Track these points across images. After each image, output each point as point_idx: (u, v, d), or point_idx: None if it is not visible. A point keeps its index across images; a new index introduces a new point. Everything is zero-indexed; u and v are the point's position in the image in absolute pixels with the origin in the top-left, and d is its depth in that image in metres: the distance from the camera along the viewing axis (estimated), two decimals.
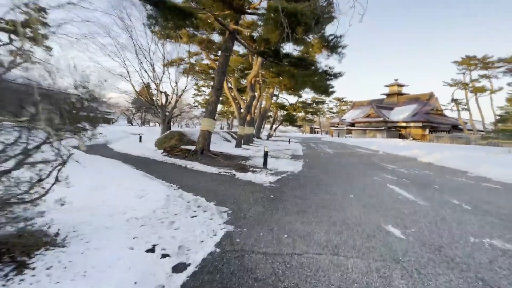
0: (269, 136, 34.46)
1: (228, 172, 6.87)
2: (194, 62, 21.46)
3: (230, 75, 20.46)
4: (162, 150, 10.76)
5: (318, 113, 71.06)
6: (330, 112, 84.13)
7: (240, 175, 6.47)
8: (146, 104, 18.23)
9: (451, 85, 40.95)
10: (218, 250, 2.53)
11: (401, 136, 46.59)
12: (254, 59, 16.11)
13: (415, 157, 13.59)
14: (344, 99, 79.18)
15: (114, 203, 3.51)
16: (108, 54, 14.35)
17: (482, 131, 42.35)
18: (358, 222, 3.43)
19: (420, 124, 44.57)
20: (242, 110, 16.35)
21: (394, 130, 47.63)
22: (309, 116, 75.61)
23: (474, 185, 6.38)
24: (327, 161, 10.78)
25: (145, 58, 15.38)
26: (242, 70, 18.83)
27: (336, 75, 12.59)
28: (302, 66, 10.84)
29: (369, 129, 50.85)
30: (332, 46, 9.78)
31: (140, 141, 14.61)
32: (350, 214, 3.75)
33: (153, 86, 18.51)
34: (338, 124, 60.97)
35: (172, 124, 50.52)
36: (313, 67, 11.28)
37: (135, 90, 15.83)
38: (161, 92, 17.40)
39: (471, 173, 8.63)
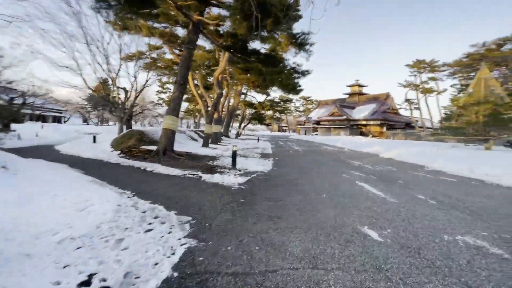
0: (237, 134, 34.04)
1: (194, 174, 6.31)
2: (156, 57, 20.11)
3: (196, 71, 19.55)
4: (119, 152, 9.71)
5: (285, 111, 72.50)
6: (297, 110, 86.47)
7: (206, 177, 5.96)
8: (102, 101, 16.48)
9: (404, 86, 44.56)
10: (175, 274, 2.05)
11: (362, 134, 49.57)
12: (221, 55, 15.51)
13: (377, 153, 14.29)
14: (310, 98, 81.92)
15: (43, 220, 2.80)
16: (51, 42, 12.49)
17: (431, 128, 46.90)
18: (334, 225, 3.20)
19: (379, 122, 47.82)
20: (209, 108, 15.67)
21: (356, 128, 50.47)
22: (277, 114, 76.76)
23: (434, 179, 6.70)
24: (296, 159, 10.72)
25: (98, 49, 13.83)
26: (208, 66, 18.08)
27: (304, 73, 12.64)
28: (271, 63, 10.61)
29: (333, 127, 53.20)
30: (300, 43, 9.69)
31: (94, 141, 13.13)
32: (324, 216, 3.52)
33: (109, 81, 16.83)
34: (304, 122, 62.87)
35: (135, 122, 47.32)
36: (281, 64, 11.14)
37: (87, 85, 14.17)
38: (118, 87, 15.88)
39: (427, 167, 9.20)
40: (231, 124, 47.58)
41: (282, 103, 43.97)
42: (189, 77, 17.31)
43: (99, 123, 50.18)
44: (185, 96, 45.94)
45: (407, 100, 46.56)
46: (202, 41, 18.06)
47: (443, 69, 41.79)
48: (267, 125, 41.91)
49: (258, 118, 34.23)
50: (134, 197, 4.18)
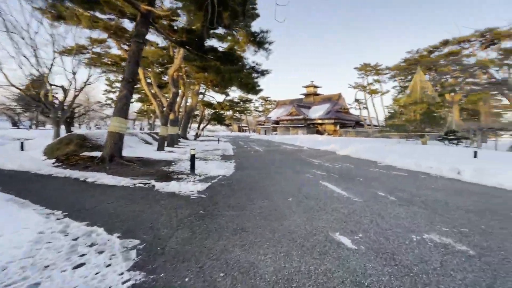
0: (196, 136, 32.75)
1: (146, 183, 5.56)
2: (101, 52, 18.02)
3: (149, 69, 18.08)
4: (53, 160, 8.25)
5: (245, 112, 72.62)
6: (257, 111, 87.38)
7: (161, 185, 5.28)
8: (34, 101, 13.97)
9: (354, 87, 48.19)
10: None
11: (318, 132, 52.23)
12: (176, 52, 14.51)
13: (334, 151, 14.93)
14: (268, 99, 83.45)
15: None
16: None
17: (377, 126, 51.67)
18: (304, 234, 2.95)
19: (333, 121, 50.88)
20: (164, 109, 14.53)
21: (313, 127, 52.98)
22: (237, 115, 76.48)
23: (388, 175, 7.06)
24: (258, 159, 10.49)
25: (24, 40, 11.67)
26: (162, 64, 16.84)
27: (263, 72, 12.51)
28: (229, 61, 10.18)
29: (291, 127, 55.00)
30: (259, 41, 9.47)
31: (22, 148, 11.07)
32: (293, 224, 3.26)
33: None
34: (264, 122, 63.78)
35: (78, 125, 42.15)
36: (240, 63, 10.79)
37: (9, 81, 11.85)
38: (51, 85, 13.70)
39: (380, 162, 9.80)
40: (189, 125, 45.71)
41: (241, 103, 43.78)
42: (141, 75, 15.89)
43: (33, 126, 43.62)
44: (137, 96, 42.75)
45: (356, 100, 50.51)
46: (154, 37, 16.75)
47: (385, 72, 46.38)
48: (227, 125, 41.30)
49: (218, 119, 33.41)
50: (66, 218, 3.37)
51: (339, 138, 37.39)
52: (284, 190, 5.09)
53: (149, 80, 20.01)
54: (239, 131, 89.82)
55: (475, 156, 10.45)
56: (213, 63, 10.74)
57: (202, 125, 36.49)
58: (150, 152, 11.97)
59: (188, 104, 27.97)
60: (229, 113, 49.69)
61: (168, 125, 14.44)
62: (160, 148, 12.64)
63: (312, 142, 23.73)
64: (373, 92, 46.91)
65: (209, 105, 31.03)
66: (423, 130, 24.51)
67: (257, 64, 11.95)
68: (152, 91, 19.19)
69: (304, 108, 56.64)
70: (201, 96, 33.75)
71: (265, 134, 62.12)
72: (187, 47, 9.55)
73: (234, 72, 11.39)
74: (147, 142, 16.05)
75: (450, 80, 32.30)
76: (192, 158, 6.80)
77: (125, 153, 10.15)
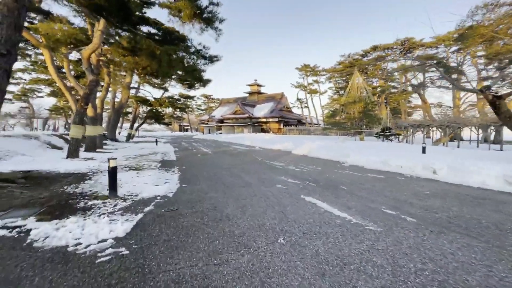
0: (130, 137, 28.10)
1: (14, 227, 3.07)
2: None
3: (61, 54, 13.88)
4: None
5: (187, 109, 68.05)
6: (199, 109, 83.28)
7: (43, 230, 2.90)
8: None
9: (296, 87, 49.83)
10: None
11: (263, 131, 52.29)
12: (94, 29, 11.14)
13: (289, 151, 13.97)
14: (211, 97, 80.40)
15: None
16: None
17: (317, 124, 54.76)
18: None
19: (276, 120, 51.58)
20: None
21: (258, 126, 52.74)
22: (178, 113, 71.15)
23: (366, 179, 6.08)
24: (209, 165, 8.51)
25: None
26: (76, 45, 12.98)
27: (212, 59, 10.39)
28: (168, 40, 7.88)
29: (237, 125, 53.69)
30: (208, 18, 7.48)
31: None
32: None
33: None
34: (208, 121, 60.81)
35: None
36: (183, 44, 8.54)
37: None
38: None
39: (344, 162, 9.03)
40: (120, 125, 39.57)
41: (182, 100, 40.15)
42: (48, 60, 11.94)
43: None
44: (50, 89, 34.99)
45: (298, 99, 52.42)
46: (64, 10, 12.84)
47: (322, 73, 49.33)
48: (167, 124, 37.21)
49: (155, 117, 29.40)
50: None
51: (284, 136, 37.75)
52: (262, 219, 3.37)
53: (63, 70, 15.63)
54: (181, 130, 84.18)
55: (423, 152, 10.76)
56: (146, 43, 8.22)
57: (136, 124, 31.75)
58: (56, 161, 8.65)
59: (117, 100, 23.47)
60: (169, 110, 45.28)
61: (86, 124, 11.03)
62: (72, 154, 9.35)
63: (261, 141, 22.66)
64: (313, 92, 49.35)
65: (144, 101, 26.91)
66: (361, 128, 26.22)
67: (204, 47, 9.79)
68: (67, 83, 15.00)
69: (248, 107, 56.00)
70: (133, 91, 29.18)
71: (209, 133, 59.27)
72: (107, 15, 6.86)
73: (174, 55, 8.98)
74: (55, 147, 12.13)
75: (379, 82, 35.91)
76: (113, 173, 4.43)
77: (11, 164, 6.90)
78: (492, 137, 22.67)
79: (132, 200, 4.20)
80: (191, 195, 4.53)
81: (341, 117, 27.53)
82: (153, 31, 7.78)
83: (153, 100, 26.21)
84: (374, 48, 34.10)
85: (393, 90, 38.71)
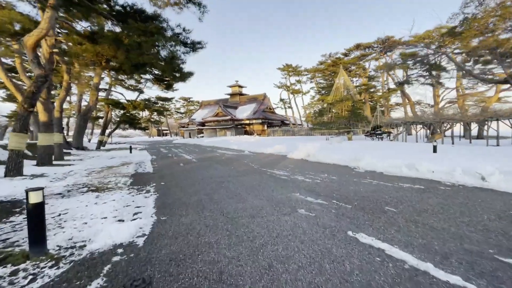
0: (100, 144, 25.21)
1: None
2: None
3: (12, 50, 11.43)
4: None
5: (165, 113, 64.89)
6: (178, 112, 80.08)
7: None
8: None
9: (279, 87, 48.84)
10: None
11: (246, 133, 50.71)
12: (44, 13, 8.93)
13: (284, 154, 12.49)
14: (191, 99, 77.52)
15: None
16: None
17: (300, 125, 54.16)
18: None
19: (260, 121, 50.23)
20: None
21: (241, 128, 51.06)
22: (155, 116, 67.64)
23: (405, 192, 4.66)
24: (196, 179, 6.75)
25: None
26: (23, 34, 10.61)
27: (194, 46, 8.54)
28: (137, 21, 6.04)
29: (219, 128, 51.61)
30: None
31: None
32: None
33: None
34: (188, 124, 58.13)
35: None
36: (156, 25, 6.69)
37: None
38: None
39: (357, 167, 7.68)
40: (90, 131, 36.11)
41: (160, 103, 37.49)
42: None
43: None
44: (6, 93, 31.18)
45: (281, 100, 51.47)
46: None
47: (304, 73, 48.80)
48: (144, 129, 34.45)
49: (129, 121, 26.72)
50: None
51: (270, 138, 36.44)
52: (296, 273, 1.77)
53: (13, 65, 13.13)
54: (160, 135, 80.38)
55: (435, 151, 9.74)
56: (109, 32, 6.28)
57: (108, 130, 28.82)
58: None
59: (85, 105, 20.70)
60: (145, 114, 42.31)
61: (34, 131, 8.78)
62: (12, 172, 7.14)
63: (248, 144, 21.03)
64: (295, 92, 48.62)
65: (116, 104, 24.23)
66: (349, 127, 25.47)
67: (184, 30, 7.85)
68: (17, 81, 12.53)
69: (230, 109, 54.20)
70: (105, 94, 26.34)
71: (190, 137, 56.65)
72: None
73: (146, 42, 7.06)
74: None
75: (362, 81, 35.72)
76: (36, 214, 2.58)
77: None
78: (476, 133, 22.82)
79: (70, 261, 2.41)
80: (175, 242, 2.80)
81: (329, 117, 26.64)
82: (117, 8, 5.94)
83: (126, 102, 23.64)
84: (357, 47, 33.86)
85: (375, 89, 38.88)
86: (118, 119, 28.18)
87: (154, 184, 6.17)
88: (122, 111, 27.98)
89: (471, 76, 27.91)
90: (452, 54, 28.36)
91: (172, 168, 9.03)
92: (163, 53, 8.58)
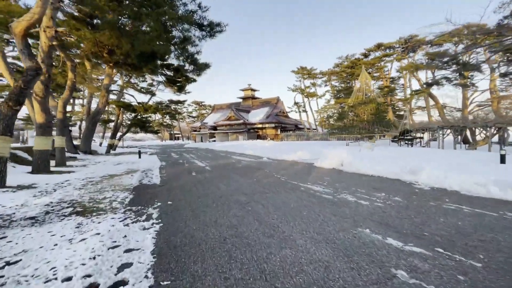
0: (111, 147, 24.42)
1: None
2: None
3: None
4: None
5: (177, 116, 64.62)
6: (190, 116, 79.96)
7: None
8: None
9: (293, 90, 47.24)
10: None
11: (259, 137, 49.24)
12: None
13: (310, 162, 10.88)
14: (203, 103, 77.21)
15: None
16: None
17: (315, 129, 52.21)
18: None
19: (273, 125, 48.71)
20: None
21: (253, 132, 49.68)
22: (167, 120, 67.44)
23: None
24: (212, 197, 5.30)
25: None
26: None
27: (212, 29, 7.13)
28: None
29: (231, 132, 50.43)
30: None
31: None
32: None
33: None
34: (200, 128, 57.38)
35: None
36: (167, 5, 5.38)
37: None
38: None
39: (416, 182, 6.00)
40: (102, 134, 35.75)
41: (172, 106, 36.77)
42: None
43: None
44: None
45: (296, 103, 49.80)
46: None
47: (320, 76, 47.01)
48: (155, 132, 33.69)
49: (141, 124, 25.88)
50: None
51: (285, 142, 34.80)
52: None
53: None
54: (171, 139, 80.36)
55: (502, 161, 7.88)
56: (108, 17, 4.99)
57: (119, 134, 28.13)
58: None
59: (93, 107, 19.94)
60: (157, 118, 41.79)
61: (28, 133, 7.65)
62: None
63: (264, 149, 19.54)
64: (311, 95, 46.86)
65: (127, 106, 23.43)
66: (373, 131, 23.50)
67: (200, 6, 6.38)
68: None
69: (243, 112, 53.04)
70: (113, 96, 25.70)
71: (202, 141, 55.80)
72: None
73: (152, 25, 5.68)
74: None
75: (383, 83, 33.63)
76: None
77: None
78: None
79: None
80: None
81: (349, 120, 24.72)
82: None
83: (137, 105, 22.77)
84: (378, 46, 31.92)
85: (396, 92, 36.63)
86: (129, 122, 27.43)
87: (159, 203, 4.73)
88: (133, 114, 27.25)
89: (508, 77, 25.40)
90: (485, 53, 25.99)
91: (182, 179, 7.62)
92: (176, 34, 7.12)
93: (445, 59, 25.64)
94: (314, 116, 50.66)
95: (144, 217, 3.90)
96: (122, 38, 6.15)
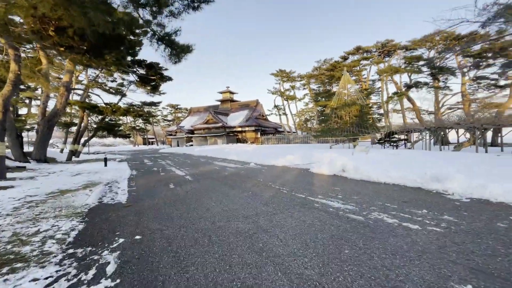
0: (73, 154, 21.47)
1: None
2: None
3: None
4: None
5: (151, 120, 61.08)
6: (165, 120, 76.31)
7: None
8: None
9: (273, 93, 46.55)
10: None
11: (239, 140, 47.79)
12: None
13: (304, 168, 9.72)
14: (178, 106, 74.02)
15: None
16: None
17: (295, 132, 51.94)
18: None
19: (253, 128, 47.55)
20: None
21: (233, 135, 48.10)
22: (140, 123, 63.53)
23: None
24: (198, 224, 3.85)
25: None
26: None
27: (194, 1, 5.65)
28: None
29: (209, 136, 48.40)
30: None
31: None
32: None
33: None
34: (176, 132, 54.55)
35: None
36: None
37: None
38: None
39: (446, 192, 4.99)
40: (63, 140, 32.04)
41: (145, 108, 34.08)
42: None
43: None
44: None
45: (276, 106, 49.16)
46: None
47: (298, 79, 46.93)
48: (126, 137, 30.83)
49: (109, 128, 23.25)
50: None
51: (265, 146, 33.69)
52: None
53: None
54: (145, 143, 75.87)
55: None
56: None
57: (83, 139, 25.11)
58: None
59: (49, 107, 17.21)
60: (129, 120, 38.60)
61: None
62: None
63: (247, 153, 18.15)
64: (290, 98, 46.52)
65: (92, 108, 20.78)
66: (357, 133, 23.20)
67: None
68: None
69: (222, 115, 51.30)
70: (77, 96, 22.86)
71: (178, 145, 52.99)
72: None
73: None
74: None
75: (362, 85, 33.99)
76: None
77: None
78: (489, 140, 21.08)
79: None
80: None
81: (334, 122, 24.24)
82: None
83: (103, 106, 20.28)
84: (357, 49, 32.20)
85: (376, 94, 37.39)
86: (95, 126, 24.60)
87: (121, 239, 3.17)
88: (100, 117, 24.46)
89: (480, 80, 26.65)
90: (456, 57, 27.11)
91: (157, 194, 5.99)
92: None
93: (421, 63, 26.28)
94: (294, 119, 50.39)
95: (92, 272, 2.35)
96: (71, 6, 4.48)
